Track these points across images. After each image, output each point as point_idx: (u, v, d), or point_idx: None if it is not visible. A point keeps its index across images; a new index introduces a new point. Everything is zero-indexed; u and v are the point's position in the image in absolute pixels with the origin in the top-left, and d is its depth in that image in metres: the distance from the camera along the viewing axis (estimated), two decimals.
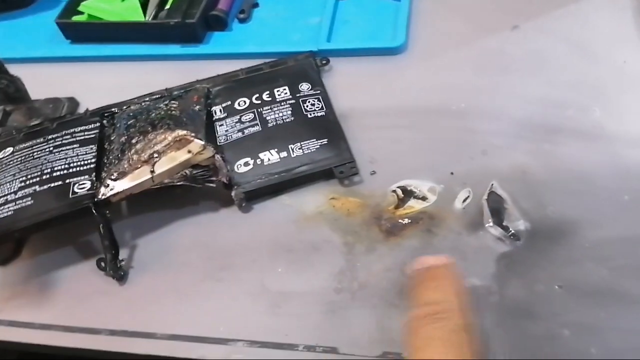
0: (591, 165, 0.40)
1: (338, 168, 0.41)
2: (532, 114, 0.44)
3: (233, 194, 0.41)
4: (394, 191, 0.41)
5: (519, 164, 0.41)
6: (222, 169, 0.41)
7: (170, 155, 0.40)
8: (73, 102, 0.50)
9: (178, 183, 0.40)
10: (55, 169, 0.42)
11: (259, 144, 0.43)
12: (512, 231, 0.38)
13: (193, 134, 0.41)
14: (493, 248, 0.37)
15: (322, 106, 0.44)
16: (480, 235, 0.38)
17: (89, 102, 0.50)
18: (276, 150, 0.42)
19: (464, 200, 0.40)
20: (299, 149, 0.42)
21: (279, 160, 0.42)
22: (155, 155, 0.40)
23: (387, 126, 0.45)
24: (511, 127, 0.43)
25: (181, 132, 0.41)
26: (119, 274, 0.39)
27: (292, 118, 0.44)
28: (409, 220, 0.39)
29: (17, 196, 0.40)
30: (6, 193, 0.41)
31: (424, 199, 0.40)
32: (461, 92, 0.46)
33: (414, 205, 0.40)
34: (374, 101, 0.47)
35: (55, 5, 0.60)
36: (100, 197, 0.39)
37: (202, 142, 0.40)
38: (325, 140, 0.42)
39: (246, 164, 0.42)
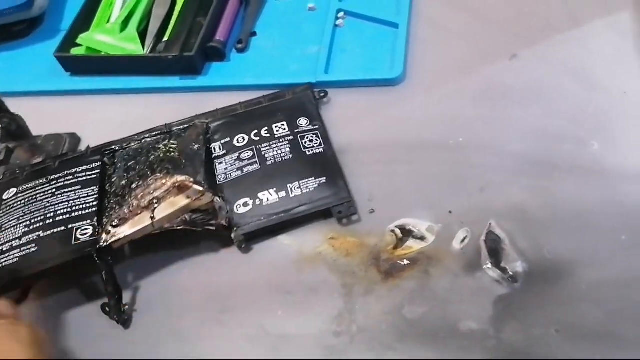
0: (589, 202, 0.40)
1: (336, 208, 0.41)
2: (531, 148, 0.44)
3: (233, 235, 0.41)
4: (393, 231, 0.41)
5: (517, 201, 0.41)
6: (222, 211, 0.41)
7: (170, 200, 0.40)
8: (74, 138, 0.50)
9: (178, 227, 0.41)
10: (58, 212, 0.42)
11: (258, 183, 0.43)
12: (510, 273, 0.38)
13: (192, 179, 0.41)
14: (491, 290, 0.38)
15: (320, 142, 0.44)
16: (478, 277, 0.38)
17: (89, 137, 0.50)
18: (275, 189, 0.42)
19: (462, 241, 0.40)
20: (297, 188, 0.42)
21: (277, 200, 0.42)
22: (155, 201, 0.40)
23: (386, 161, 0.45)
24: (509, 162, 0.43)
25: (180, 178, 0.41)
26: (123, 318, 0.40)
27: (291, 155, 0.44)
28: (408, 262, 0.40)
29: (21, 242, 0.41)
30: (11, 238, 0.41)
31: (422, 238, 0.41)
32: (459, 125, 0.46)
33: (413, 245, 0.40)
34: (372, 134, 0.47)
35: (54, 36, 0.60)
36: (102, 244, 0.40)
37: (201, 188, 0.41)
38: (324, 178, 0.43)
39: (245, 204, 0.42)
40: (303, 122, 0.46)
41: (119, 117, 0.52)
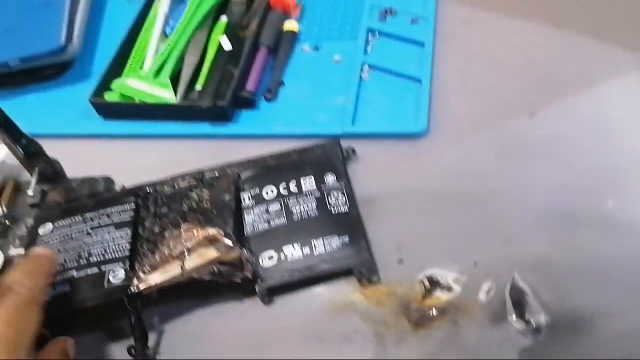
0: (609, 256, 0.42)
1: (358, 268, 0.43)
2: (551, 201, 0.46)
3: (257, 289, 0.43)
4: (422, 281, 0.43)
5: (539, 254, 0.43)
6: (248, 264, 0.43)
7: (200, 252, 0.42)
8: (108, 182, 0.51)
9: (206, 279, 0.42)
10: (92, 253, 0.44)
11: (284, 237, 0.45)
12: (534, 325, 0.40)
13: (222, 232, 0.43)
14: (516, 341, 0.40)
15: (345, 201, 0.46)
16: (504, 328, 0.40)
17: (123, 180, 0.52)
18: (299, 245, 0.44)
19: (488, 292, 0.42)
20: (321, 245, 0.44)
21: (301, 256, 0.43)
22: (186, 251, 0.42)
23: (412, 211, 0.47)
24: (531, 215, 0.45)
25: (211, 231, 0.43)
26: None
27: (317, 213, 0.45)
28: (436, 312, 0.42)
29: (55, 280, 0.42)
30: None
31: (449, 289, 0.42)
32: (482, 178, 0.48)
33: (441, 296, 0.42)
34: (398, 185, 0.49)
35: (84, 79, 0.62)
36: (133, 289, 0.41)
37: (231, 243, 0.42)
38: (347, 238, 0.44)
39: (270, 257, 0.44)
40: (330, 178, 0.47)
41: (151, 161, 0.54)
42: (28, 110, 0.60)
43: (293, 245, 0.44)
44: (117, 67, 0.59)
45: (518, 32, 0.59)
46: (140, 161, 0.54)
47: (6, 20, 0.63)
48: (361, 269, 0.43)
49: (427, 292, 0.43)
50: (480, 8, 0.61)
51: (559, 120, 0.51)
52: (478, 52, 0.58)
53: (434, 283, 0.43)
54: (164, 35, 0.61)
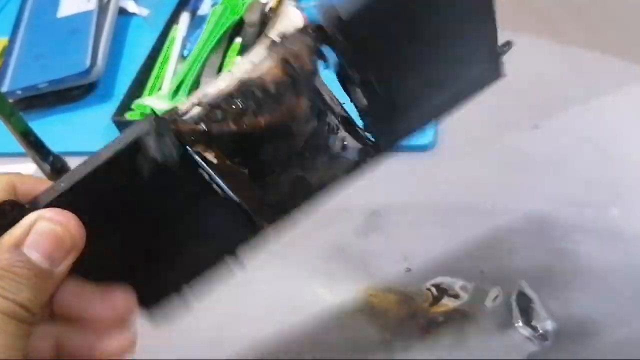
0: (611, 265, 0.43)
1: None
2: (554, 212, 0.47)
3: None
4: (429, 289, 0.44)
5: (544, 262, 0.44)
6: None
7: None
8: None
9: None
10: None
11: None
12: (540, 331, 0.41)
13: None
14: (522, 347, 0.41)
15: None
16: (510, 334, 0.41)
17: None
18: None
19: (494, 299, 0.43)
20: None
21: None
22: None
23: (419, 222, 0.49)
24: (535, 225, 0.46)
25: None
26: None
27: None
28: (443, 318, 0.43)
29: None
30: None
31: (456, 296, 0.44)
32: (487, 190, 0.49)
33: (448, 303, 0.43)
34: (405, 196, 0.51)
35: (107, 100, 0.66)
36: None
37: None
38: None
39: None
40: None
41: None
42: (55, 129, 0.63)
43: None
44: (137, 88, 0.62)
45: (521, 46, 0.60)
46: None
47: (37, 47, 0.67)
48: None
49: (435, 300, 0.44)
50: None
51: (562, 133, 0.52)
52: None
53: (441, 290, 0.44)
54: (182, 57, 0.64)
